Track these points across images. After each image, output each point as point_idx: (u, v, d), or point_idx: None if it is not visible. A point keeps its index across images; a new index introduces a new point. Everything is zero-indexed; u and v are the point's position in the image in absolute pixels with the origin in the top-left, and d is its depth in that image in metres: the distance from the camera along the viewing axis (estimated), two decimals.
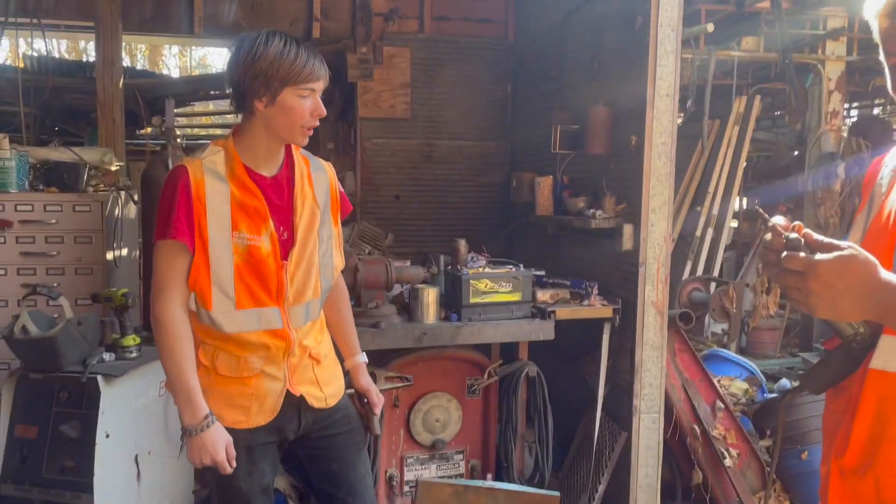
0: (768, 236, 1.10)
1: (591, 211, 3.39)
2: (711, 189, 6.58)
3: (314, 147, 4.76)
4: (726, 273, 7.24)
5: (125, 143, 4.76)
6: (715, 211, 6.60)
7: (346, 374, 2.19)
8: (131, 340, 2.80)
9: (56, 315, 2.86)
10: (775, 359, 6.22)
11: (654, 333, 3.18)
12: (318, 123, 1.86)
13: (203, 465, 1.80)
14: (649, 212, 3.14)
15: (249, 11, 4.72)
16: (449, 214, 4.93)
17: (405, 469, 3.31)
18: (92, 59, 6.22)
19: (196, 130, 10.79)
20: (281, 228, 1.88)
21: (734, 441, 3.52)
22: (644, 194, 3.13)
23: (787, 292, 1.08)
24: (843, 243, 1.05)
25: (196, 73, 15.98)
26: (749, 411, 3.96)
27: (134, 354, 2.79)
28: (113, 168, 4.03)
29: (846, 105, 7.96)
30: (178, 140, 7.97)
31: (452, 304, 3.27)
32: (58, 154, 3.89)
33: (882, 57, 1.21)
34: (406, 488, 3.32)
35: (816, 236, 1.06)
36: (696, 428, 3.45)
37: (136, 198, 4.04)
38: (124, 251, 3.96)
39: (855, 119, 9.18)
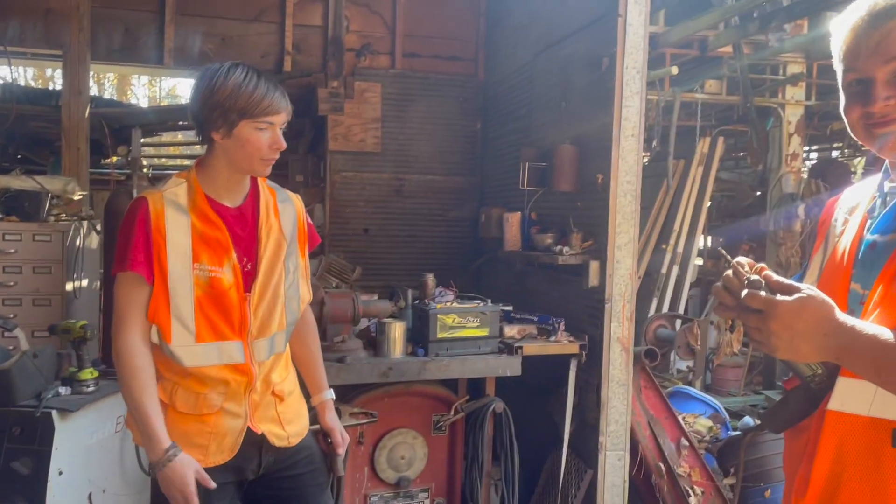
0: (729, 273, 1.12)
1: (559, 247, 3.42)
2: (676, 227, 6.69)
3: (283, 179, 4.76)
4: (691, 310, 7.33)
5: (90, 172, 4.69)
6: (680, 249, 6.70)
7: (312, 409, 2.16)
8: (88, 374, 2.72)
9: (11, 347, 2.78)
10: (739, 396, 6.27)
11: (619, 370, 3.19)
12: (277, 156, 1.84)
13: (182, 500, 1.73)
14: (615, 249, 3.17)
15: (220, 43, 4.73)
16: (417, 248, 4.93)
17: None
18: (59, 86, 6.16)
19: (163, 160, 10.68)
20: (245, 260, 1.86)
21: (699, 479, 3.53)
22: (610, 231, 3.16)
23: (747, 332, 1.10)
24: (802, 285, 1.07)
25: (165, 102, 15.90)
26: (713, 449, 3.98)
27: (91, 388, 2.71)
28: (76, 197, 3.97)
29: (806, 148, 8.19)
30: (145, 170, 7.89)
31: (419, 338, 3.25)
32: (19, 182, 3.82)
33: (839, 77, 1.22)
34: None
35: (777, 277, 1.08)
36: (662, 466, 3.45)
37: (98, 228, 3.97)
38: (85, 282, 3.88)
39: (814, 161, 9.44)
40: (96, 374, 2.75)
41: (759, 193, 7.66)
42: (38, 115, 6.21)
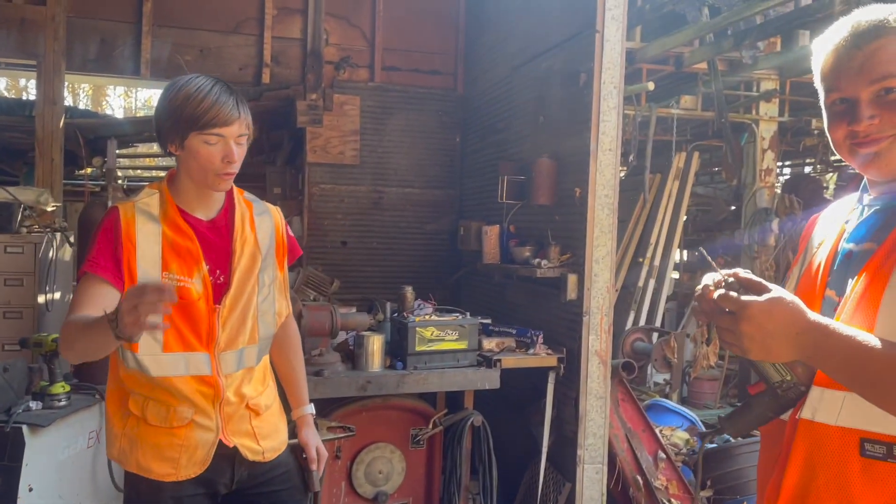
0: (707, 277, 1.13)
1: (537, 260, 3.43)
2: (653, 241, 6.74)
3: (261, 191, 4.73)
4: (668, 324, 7.38)
5: (63, 184, 4.63)
6: (657, 262, 6.76)
7: (292, 423, 2.14)
8: (60, 388, 2.67)
9: None
10: (715, 409, 6.32)
11: (597, 383, 3.20)
12: (235, 170, 1.80)
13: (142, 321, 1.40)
14: (593, 262, 3.19)
15: (198, 55, 4.71)
16: (396, 261, 4.92)
17: None
18: (33, 97, 6.09)
19: (139, 172, 10.59)
20: (217, 272, 1.84)
21: (676, 492, 3.54)
22: (588, 245, 3.18)
23: (720, 334, 1.11)
24: (771, 285, 1.09)
25: (141, 113, 15.77)
26: (690, 462, 4.00)
27: (62, 403, 2.66)
28: (49, 208, 3.91)
29: (779, 163, 8.31)
30: (120, 181, 7.81)
31: (398, 351, 3.24)
32: None
33: (822, 96, 1.23)
34: None
35: (745, 274, 1.11)
36: (639, 478, 3.46)
37: (72, 239, 3.92)
38: (57, 294, 3.82)
39: (788, 177, 9.59)
40: (68, 388, 2.71)
41: (733, 208, 7.76)
42: (12, 126, 6.13)
